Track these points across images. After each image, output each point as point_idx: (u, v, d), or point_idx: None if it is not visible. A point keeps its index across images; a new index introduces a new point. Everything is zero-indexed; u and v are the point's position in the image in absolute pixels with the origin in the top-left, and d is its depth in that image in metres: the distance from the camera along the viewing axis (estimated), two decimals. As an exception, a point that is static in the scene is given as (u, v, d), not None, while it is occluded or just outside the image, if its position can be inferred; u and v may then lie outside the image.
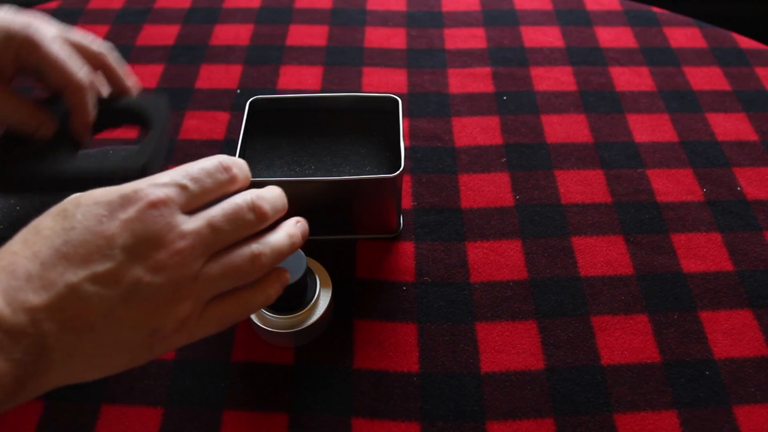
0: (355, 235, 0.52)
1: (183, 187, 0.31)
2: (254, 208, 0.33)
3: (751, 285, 0.50)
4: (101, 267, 0.28)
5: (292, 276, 0.41)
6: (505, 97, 0.65)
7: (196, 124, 0.62)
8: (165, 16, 0.76)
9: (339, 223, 0.51)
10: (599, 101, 0.64)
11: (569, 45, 0.71)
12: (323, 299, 0.45)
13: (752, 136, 0.61)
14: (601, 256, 0.51)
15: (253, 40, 0.72)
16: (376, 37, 0.72)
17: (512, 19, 0.75)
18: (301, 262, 0.42)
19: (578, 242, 0.52)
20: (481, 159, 0.59)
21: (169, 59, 0.70)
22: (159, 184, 0.31)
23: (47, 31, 0.41)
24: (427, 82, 0.67)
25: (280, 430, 0.42)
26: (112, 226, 0.29)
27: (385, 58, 0.69)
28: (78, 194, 0.31)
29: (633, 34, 0.73)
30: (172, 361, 0.45)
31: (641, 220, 0.54)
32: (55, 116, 0.43)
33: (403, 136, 0.56)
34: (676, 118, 0.63)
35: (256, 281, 0.34)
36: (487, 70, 0.68)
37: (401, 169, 0.46)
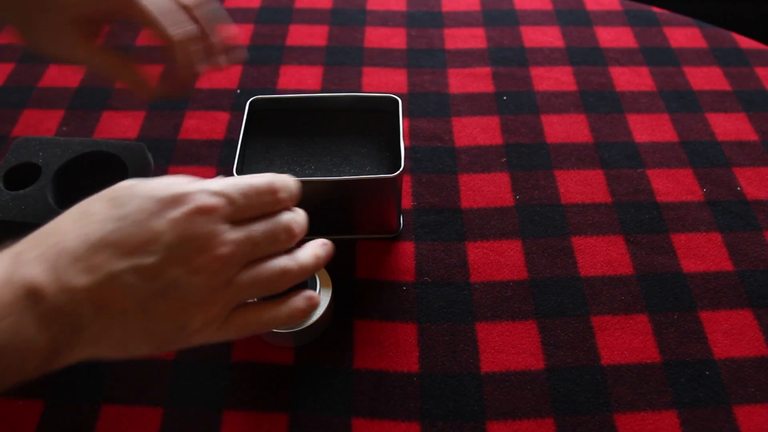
0: (355, 235, 0.52)
1: (231, 201, 0.33)
2: (288, 230, 0.35)
3: (751, 285, 0.50)
4: (144, 261, 0.30)
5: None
6: (505, 97, 0.65)
7: (196, 124, 0.62)
8: (165, 16, 0.76)
9: (339, 223, 0.51)
10: (599, 101, 0.65)
11: (569, 45, 0.71)
12: (323, 299, 0.45)
13: (752, 136, 0.61)
14: (601, 256, 0.51)
15: (253, 40, 0.72)
16: (376, 37, 0.72)
17: (512, 19, 0.75)
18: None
19: (578, 242, 0.52)
20: (481, 159, 0.59)
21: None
22: (209, 192, 0.32)
23: None
24: (427, 82, 0.67)
25: (280, 430, 0.42)
26: (161, 224, 0.30)
27: (385, 58, 0.69)
28: (131, 183, 0.32)
29: (633, 34, 0.73)
30: (172, 361, 0.45)
31: (641, 220, 0.54)
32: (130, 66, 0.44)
33: (403, 136, 0.56)
34: (676, 118, 0.63)
35: (283, 297, 0.36)
36: (487, 70, 0.68)
37: (401, 169, 0.46)
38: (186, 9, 0.44)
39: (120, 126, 0.62)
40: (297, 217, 0.36)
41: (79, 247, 0.29)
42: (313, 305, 0.36)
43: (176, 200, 0.31)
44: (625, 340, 0.46)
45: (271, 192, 0.34)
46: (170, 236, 0.30)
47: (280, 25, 0.74)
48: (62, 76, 0.68)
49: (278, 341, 0.46)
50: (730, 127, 0.62)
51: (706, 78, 0.67)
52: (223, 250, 0.32)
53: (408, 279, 0.50)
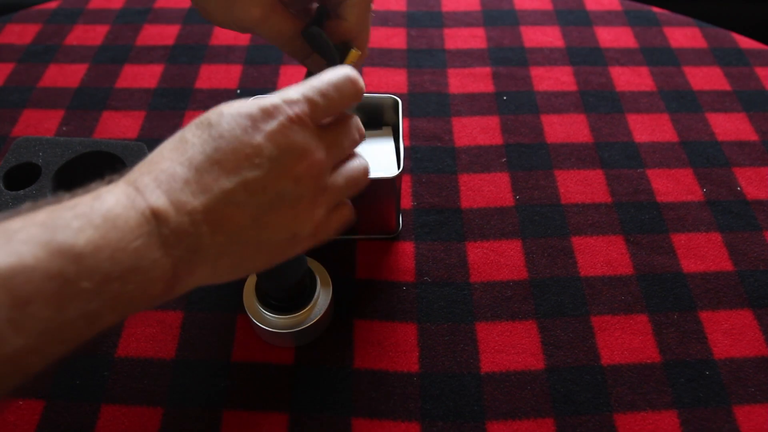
0: (355, 235, 0.52)
1: (316, 105, 0.33)
2: (359, 129, 0.37)
3: (751, 285, 0.50)
4: (251, 174, 0.30)
5: (293, 276, 0.42)
6: (505, 97, 0.65)
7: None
8: (165, 16, 0.76)
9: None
10: (599, 101, 0.64)
11: (569, 45, 0.71)
12: (323, 299, 0.45)
13: (752, 136, 0.61)
14: (601, 256, 0.51)
15: (253, 40, 0.72)
16: (376, 37, 0.72)
17: (512, 19, 0.75)
18: (301, 262, 0.42)
19: (578, 242, 0.52)
20: (481, 159, 0.59)
21: (169, 59, 0.70)
22: (293, 100, 0.33)
23: None
24: (427, 82, 0.67)
25: (280, 430, 0.42)
26: (259, 137, 0.31)
27: (385, 58, 0.69)
28: (218, 107, 0.32)
29: (633, 34, 0.73)
30: (172, 361, 0.45)
31: (641, 220, 0.54)
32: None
33: (403, 136, 0.56)
34: (676, 118, 0.63)
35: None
36: (487, 70, 0.68)
37: (401, 169, 0.46)
38: None
39: (120, 126, 0.62)
40: (359, 122, 0.38)
41: (188, 172, 0.30)
42: (366, 166, 0.38)
43: (268, 113, 0.32)
44: (625, 340, 0.46)
45: (351, 83, 0.35)
46: (270, 148, 0.31)
47: (280, 25, 0.74)
48: (62, 76, 0.68)
49: (278, 341, 0.46)
50: (730, 127, 0.62)
51: (706, 78, 0.67)
52: (319, 155, 0.33)
53: (408, 279, 0.50)
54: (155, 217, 0.28)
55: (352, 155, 0.37)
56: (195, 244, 0.29)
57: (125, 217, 0.27)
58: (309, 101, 0.33)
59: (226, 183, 0.30)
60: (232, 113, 0.31)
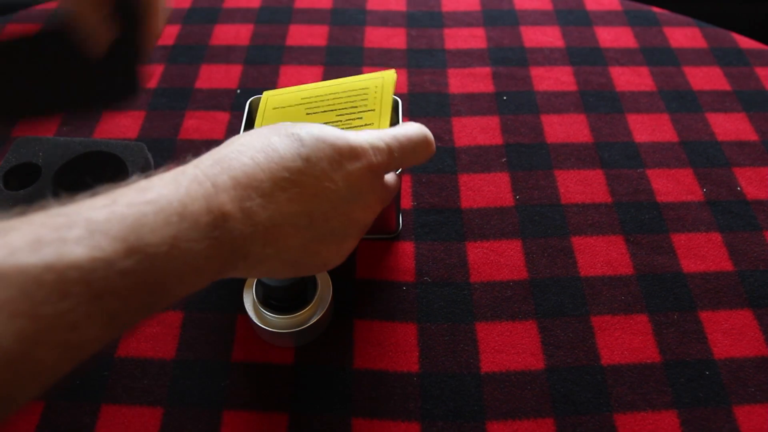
0: (355, 235, 0.52)
1: (392, 157, 0.35)
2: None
3: (751, 285, 0.50)
4: (319, 208, 0.32)
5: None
6: (505, 97, 0.65)
7: (196, 124, 0.62)
8: (165, 16, 0.76)
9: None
10: (599, 101, 0.64)
11: (569, 45, 0.71)
12: (323, 299, 0.45)
13: (752, 136, 0.61)
14: (601, 256, 0.51)
15: (253, 40, 0.72)
16: (376, 37, 0.72)
17: (512, 19, 0.75)
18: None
19: (578, 242, 0.52)
20: (481, 159, 0.59)
21: (169, 59, 0.70)
22: (379, 149, 0.34)
23: None
24: (427, 82, 0.67)
25: (280, 430, 0.42)
26: (339, 175, 0.32)
27: (385, 58, 0.69)
28: (309, 126, 0.33)
29: (633, 34, 0.73)
30: (172, 361, 0.45)
31: (641, 220, 0.54)
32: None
33: (403, 136, 0.56)
34: (676, 118, 0.63)
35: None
36: (487, 70, 0.68)
37: (401, 169, 0.46)
38: None
39: (120, 126, 0.62)
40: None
41: (266, 182, 0.30)
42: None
43: (355, 154, 0.33)
44: (625, 340, 0.46)
45: (427, 145, 0.37)
46: (345, 189, 0.33)
47: (280, 25, 0.74)
48: (62, 76, 0.68)
49: (278, 341, 0.46)
50: (730, 127, 0.62)
51: (706, 78, 0.67)
52: (377, 206, 0.36)
53: (408, 279, 0.50)
54: (224, 220, 0.29)
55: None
56: (246, 250, 0.30)
57: (197, 216, 0.28)
58: (390, 153, 0.35)
59: (296, 207, 0.31)
60: (324, 141, 0.32)
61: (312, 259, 0.34)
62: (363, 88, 0.45)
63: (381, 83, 0.44)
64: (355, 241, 0.36)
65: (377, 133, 0.35)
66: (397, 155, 0.35)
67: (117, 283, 0.25)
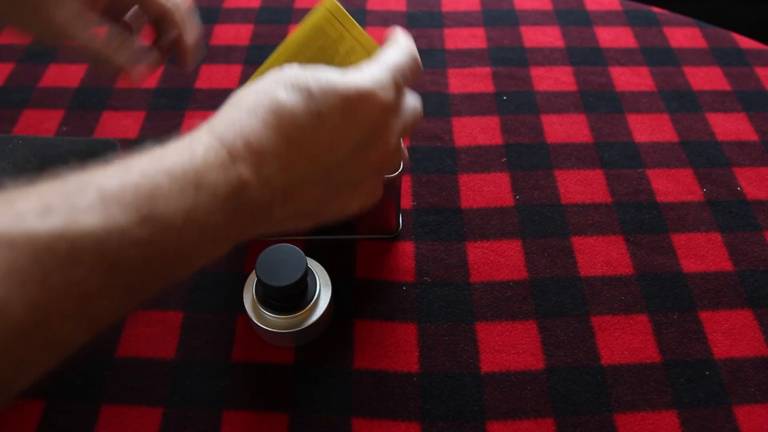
0: (355, 235, 0.52)
1: (398, 89, 0.33)
2: (420, 110, 0.37)
3: (751, 285, 0.50)
4: (334, 159, 0.31)
5: (293, 276, 0.41)
6: (505, 97, 0.65)
7: (197, 124, 0.62)
8: (165, 16, 0.76)
9: (339, 223, 0.51)
10: (599, 101, 0.64)
11: (569, 45, 0.71)
12: (323, 299, 0.45)
13: (752, 136, 0.61)
14: (601, 256, 0.51)
15: (253, 40, 0.72)
16: (376, 37, 0.72)
17: (512, 19, 0.75)
18: (301, 262, 0.42)
19: (578, 242, 0.52)
20: (481, 159, 0.59)
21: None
22: (387, 87, 0.32)
23: None
24: (427, 82, 0.67)
25: (280, 430, 0.42)
26: (351, 125, 0.31)
27: (385, 58, 0.69)
28: (317, 73, 0.31)
29: (633, 34, 0.73)
30: (172, 361, 0.45)
31: (641, 220, 0.54)
32: (130, 46, 0.45)
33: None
34: (676, 118, 0.63)
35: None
36: (487, 70, 0.68)
37: (401, 169, 0.46)
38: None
39: (120, 126, 0.62)
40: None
41: (281, 144, 0.29)
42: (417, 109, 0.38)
43: (364, 99, 0.31)
44: (625, 340, 0.46)
45: (419, 67, 0.35)
46: (358, 137, 0.31)
47: (280, 25, 0.74)
48: (62, 76, 0.68)
49: (278, 341, 0.46)
50: (730, 127, 0.62)
51: (706, 78, 0.67)
52: (393, 142, 0.34)
53: (408, 279, 0.50)
54: (242, 188, 0.28)
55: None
56: (264, 216, 0.30)
57: (213, 187, 0.27)
58: (396, 86, 0.33)
59: (313, 164, 0.30)
60: (333, 91, 0.30)
61: (331, 209, 0.33)
62: (314, 27, 0.41)
63: (323, 12, 0.41)
64: (376, 182, 0.35)
65: (379, 68, 0.33)
66: (403, 84, 0.34)
67: (132, 254, 0.24)
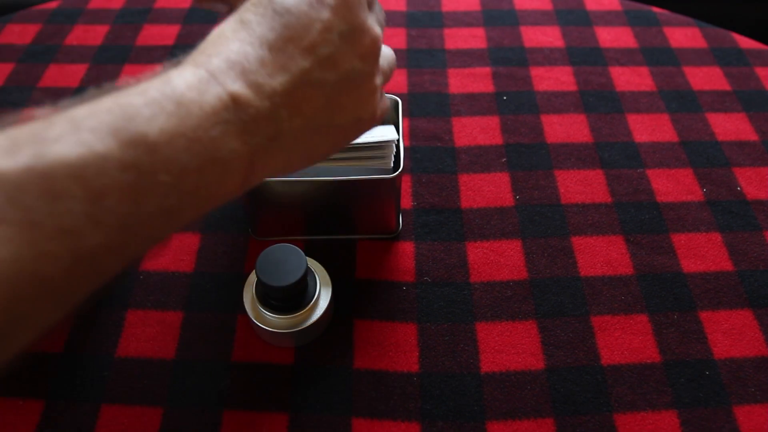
0: (355, 235, 0.52)
1: None
2: (383, 10, 0.36)
3: (751, 285, 0.50)
4: (325, 51, 0.29)
5: (293, 276, 0.41)
6: (505, 97, 0.65)
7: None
8: (165, 16, 0.76)
9: (339, 223, 0.51)
10: (599, 101, 0.64)
11: (569, 45, 0.71)
12: (323, 299, 0.45)
13: (752, 136, 0.61)
14: (601, 256, 0.51)
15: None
16: (376, 37, 0.72)
17: (512, 19, 0.75)
18: (301, 262, 0.42)
19: (578, 242, 0.52)
20: (481, 159, 0.59)
21: (169, 59, 0.70)
22: None
23: None
24: (427, 82, 0.67)
25: (280, 430, 0.42)
26: (326, 12, 0.29)
27: (385, 58, 0.69)
28: None
29: (633, 34, 0.73)
30: (172, 361, 0.45)
31: (641, 220, 0.54)
32: None
33: (403, 136, 0.56)
34: (676, 118, 0.63)
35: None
36: (487, 70, 0.68)
37: (401, 169, 0.46)
38: None
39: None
40: None
41: (260, 50, 0.27)
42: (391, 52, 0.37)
43: None
44: (625, 340, 0.46)
45: None
46: (339, 24, 0.29)
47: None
48: (62, 76, 0.68)
49: (278, 341, 0.46)
50: (730, 127, 0.62)
51: (706, 78, 0.67)
52: (377, 30, 0.32)
53: (408, 279, 0.50)
54: (234, 102, 0.26)
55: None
56: (274, 130, 0.28)
57: (200, 103, 0.25)
58: None
59: (303, 62, 0.28)
60: None
61: (343, 116, 0.31)
62: None
63: None
64: (374, 81, 0.32)
65: None
66: None
67: (119, 180, 0.22)
